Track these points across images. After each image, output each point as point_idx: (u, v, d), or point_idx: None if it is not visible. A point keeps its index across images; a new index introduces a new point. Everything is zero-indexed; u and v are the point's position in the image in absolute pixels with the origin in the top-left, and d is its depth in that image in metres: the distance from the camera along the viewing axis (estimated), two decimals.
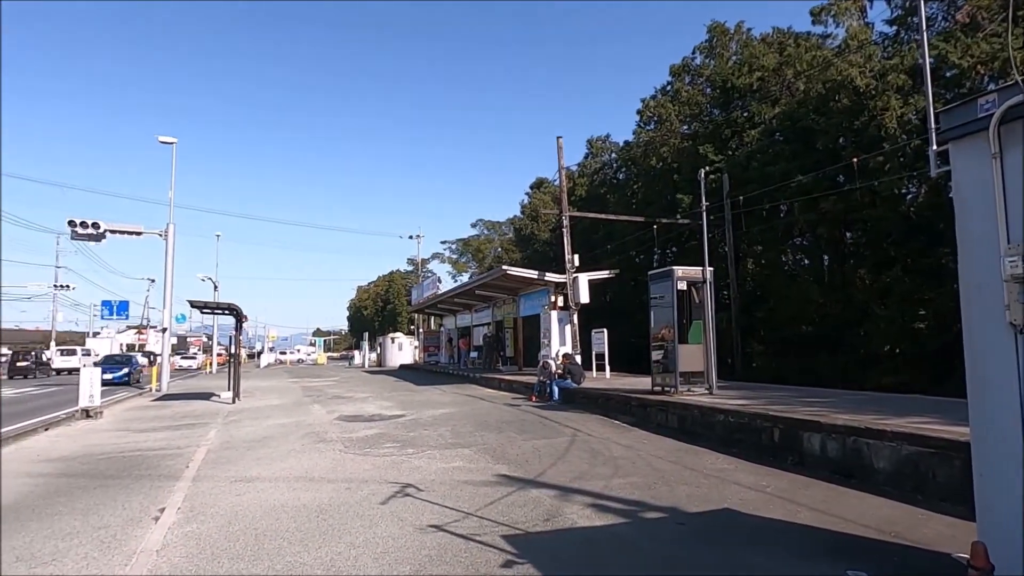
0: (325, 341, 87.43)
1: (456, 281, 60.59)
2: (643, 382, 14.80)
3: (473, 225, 65.95)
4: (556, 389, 15.44)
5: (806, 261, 25.99)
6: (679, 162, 28.48)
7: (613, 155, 38.65)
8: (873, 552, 4.66)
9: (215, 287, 46.00)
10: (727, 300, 23.94)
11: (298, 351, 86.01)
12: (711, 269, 12.17)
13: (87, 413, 14.57)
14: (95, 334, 66.30)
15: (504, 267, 22.59)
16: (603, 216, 27.22)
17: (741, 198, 21.63)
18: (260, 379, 30.84)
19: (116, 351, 57.46)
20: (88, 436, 11.75)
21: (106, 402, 16.75)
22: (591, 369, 18.61)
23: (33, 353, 42.67)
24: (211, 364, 48.80)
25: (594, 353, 19.20)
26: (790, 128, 23.42)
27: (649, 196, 30.22)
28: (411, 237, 52.13)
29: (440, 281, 41.29)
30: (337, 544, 4.90)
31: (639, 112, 33.29)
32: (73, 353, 46.51)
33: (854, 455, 6.93)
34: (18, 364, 38.10)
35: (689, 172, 25.97)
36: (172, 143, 25.26)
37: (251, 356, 71.31)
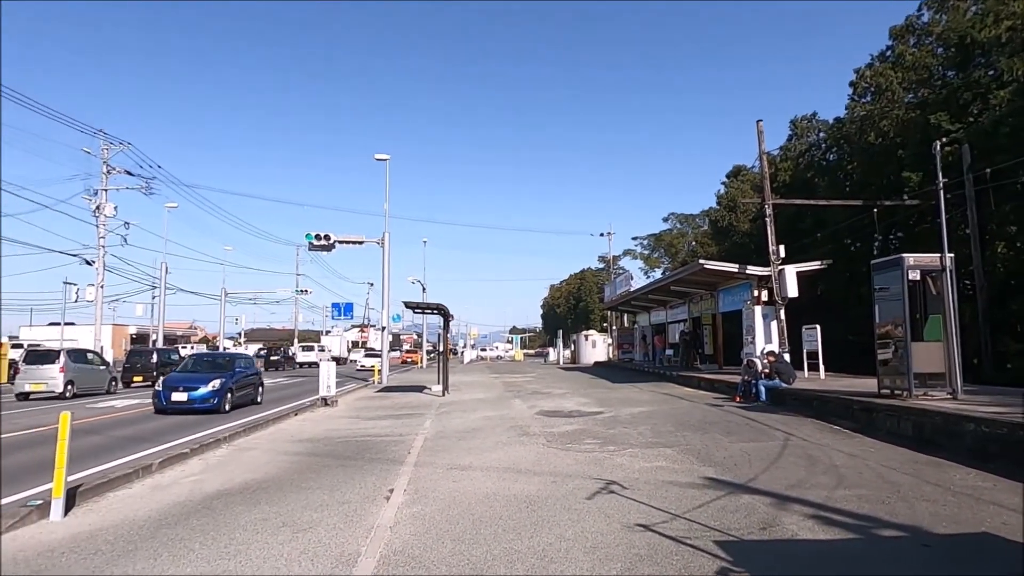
0: (521, 338, 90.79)
1: (648, 277, 59.46)
2: (864, 383, 13.33)
3: (665, 219, 64.20)
4: (763, 389, 14.47)
5: None
6: (904, 136, 25.10)
7: (821, 134, 35.22)
8: None
9: (423, 288, 50.09)
10: (970, 291, 20.63)
11: (496, 348, 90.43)
12: (951, 256, 10.57)
13: (325, 401, 16.68)
14: (327, 332, 75.83)
15: (701, 261, 21.67)
16: (811, 202, 24.92)
17: (988, 171, 18.46)
18: (464, 374, 32.94)
19: (342, 349, 65.13)
20: (327, 421, 13.44)
21: (340, 392, 19.04)
22: (801, 368, 17.15)
23: (281, 349, 49.96)
24: (422, 360, 53.21)
25: (805, 351, 17.66)
26: None
27: (867, 176, 27.04)
28: (602, 235, 52.25)
29: (632, 278, 40.81)
30: (548, 535, 5.06)
31: (852, 84, 29.95)
32: (311, 349, 53.59)
33: None
34: (271, 358, 44.89)
35: (917, 146, 22.79)
36: (386, 160, 27.98)
37: (453, 352, 76.56)
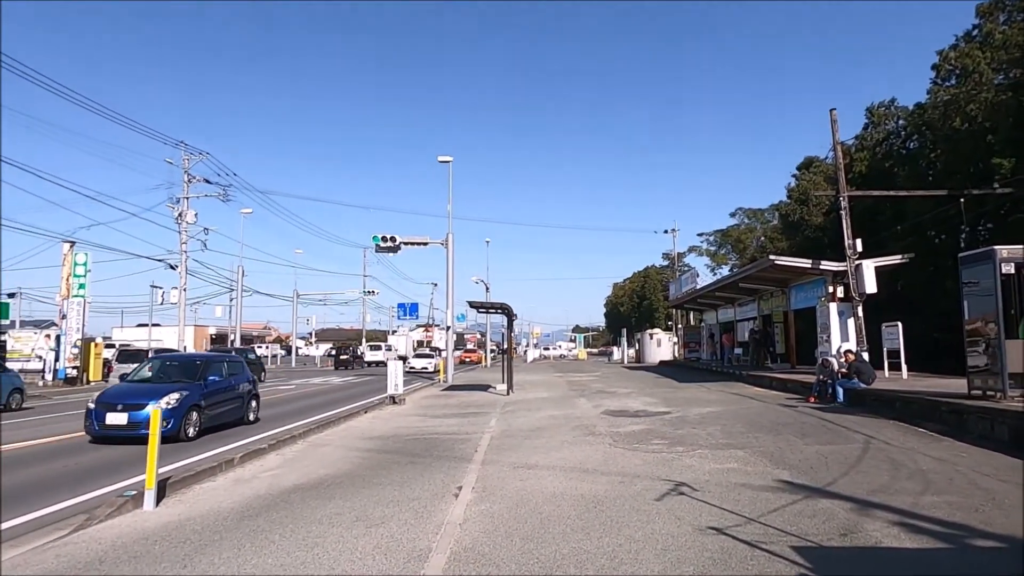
0: (584, 337, 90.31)
1: (715, 274, 57.98)
2: (951, 384, 12.62)
3: (732, 214, 62.35)
4: (840, 390, 13.87)
5: None
6: (993, 120, 23.54)
7: (900, 122, 33.46)
8: None
9: (486, 288, 50.53)
10: None
11: (559, 347, 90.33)
12: None
13: (393, 400, 17.07)
14: (393, 332, 77.53)
15: (771, 257, 20.98)
16: (890, 193, 23.71)
17: None
18: (528, 373, 33.03)
19: (408, 348, 66.43)
20: (396, 419, 13.75)
21: (407, 391, 19.43)
22: (882, 368, 16.34)
23: (351, 348, 51.42)
24: (486, 359, 53.69)
25: (885, 350, 16.83)
26: None
27: (952, 164, 25.52)
28: (666, 232, 51.33)
29: (697, 275, 39.93)
30: (617, 536, 5.01)
31: (935, 67, 28.33)
32: (379, 348, 54.94)
33: None
34: (341, 358, 46.22)
35: (1009, 130, 21.37)
36: (449, 161, 28.37)
37: (515, 351, 76.83)
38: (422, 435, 11.20)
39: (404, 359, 42.86)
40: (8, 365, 20.63)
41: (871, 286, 17.54)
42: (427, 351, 49.54)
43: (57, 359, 28.30)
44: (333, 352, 54.91)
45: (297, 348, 65.94)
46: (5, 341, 33.46)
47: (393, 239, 27.80)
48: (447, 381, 26.50)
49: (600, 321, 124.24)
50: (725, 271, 58.94)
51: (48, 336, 30.20)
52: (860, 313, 17.85)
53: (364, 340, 63.35)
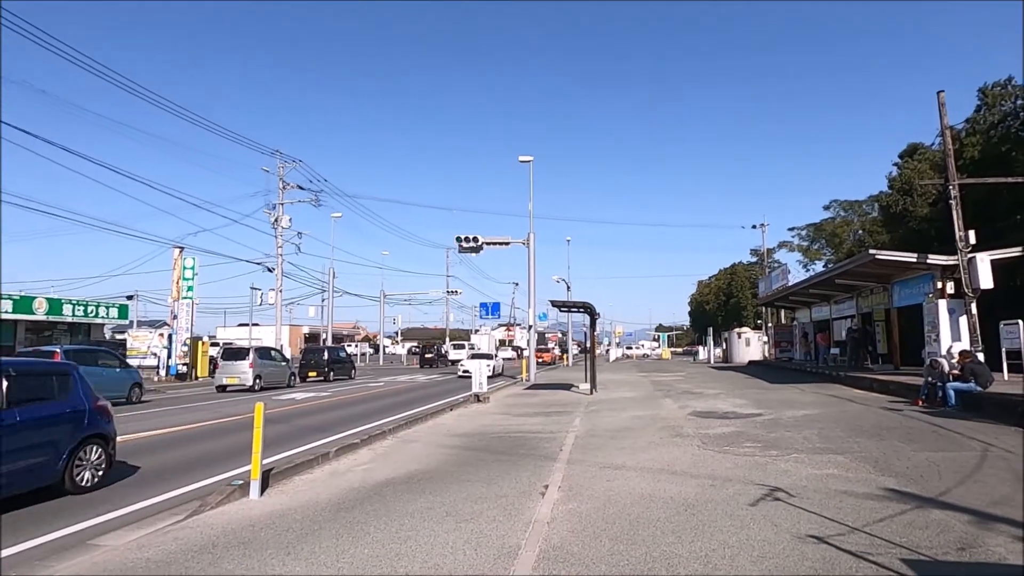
0: (668, 336, 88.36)
1: (807, 271, 55.18)
2: None
3: (826, 207, 58.97)
4: (951, 393, 12.89)
5: None
6: None
7: (1019, 102, 30.68)
8: None
9: (567, 287, 50.37)
10: None
11: (642, 346, 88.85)
12: None
13: (477, 398, 17.32)
14: (476, 331, 78.70)
15: (871, 251, 19.74)
16: (1008, 180, 21.74)
17: None
18: (611, 372, 32.66)
19: (491, 347, 67.16)
20: (480, 417, 13.94)
21: (491, 389, 19.67)
22: (999, 370, 15.06)
23: (435, 348, 52.63)
24: (568, 358, 53.53)
25: (1004, 350, 15.49)
26: None
27: None
28: (754, 227, 49.58)
29: (789, 271, 38.22)
30: (710, 541, 4.87)
31: None
32: (462, 347, 55.89)
33: None
34: (426, 356, 47.42)
35: None
36: (529, 161, 28.48)
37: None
38: (507, 433, 11.31)
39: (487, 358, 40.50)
40: (128, 362, 22.45)
41: (986, 281, 16.19)
42: (481, 352, 40.64)
43: (169, 356, 30.57)
44: (416, 350, 56.33)
45: (384, 347, 68.10)
46: (125, 340, 36.37)
47: (475, 239, 28.21)
48: (529, 380, 26.63)
49: (684, 320, 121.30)
50: (819, 267, 56.06)
51: (161, 335, 32.67)
52: (974, 310, 16.51)
53: (447, 339, 64.64)
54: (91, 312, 45.80)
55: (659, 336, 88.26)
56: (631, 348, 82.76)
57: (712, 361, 47.63)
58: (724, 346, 49.90)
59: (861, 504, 5.86)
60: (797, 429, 10.64)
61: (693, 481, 6.97)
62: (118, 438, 8.24)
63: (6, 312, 39.52)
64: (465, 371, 28.61)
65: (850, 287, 25.27)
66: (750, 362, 40.85)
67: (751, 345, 45.15)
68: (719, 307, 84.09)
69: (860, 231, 52.04)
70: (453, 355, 52.67)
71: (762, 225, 48.71)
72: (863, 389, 17.80)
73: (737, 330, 49.90)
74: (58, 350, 16.94)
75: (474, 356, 34.63)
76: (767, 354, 42.47)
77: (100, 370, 17.96)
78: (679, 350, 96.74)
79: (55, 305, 42.89)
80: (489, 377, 22.29)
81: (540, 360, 50.28)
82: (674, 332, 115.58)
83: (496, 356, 33.38)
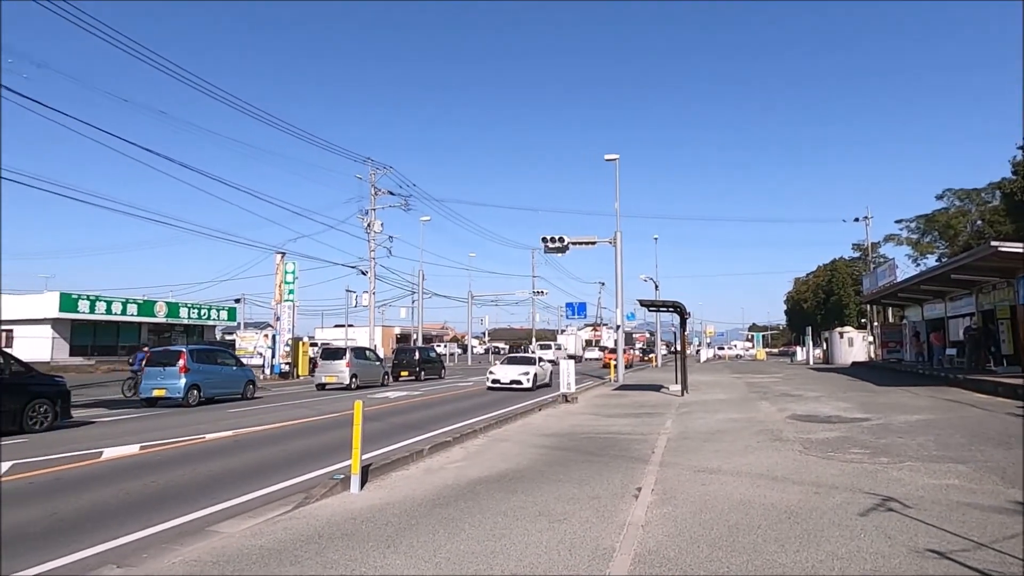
0: (763, 336, 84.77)
1: (918, 265, 51.58)
2: None
3: (939, 197, 54.78)
4: None
5: None
6: None
7: None
8: None
9: (655, 286, 49.38)
10: None
11: (735, 346, 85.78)
12: None
13: (566, 398, 17.29)
14: (562, 331, 78.69)
15: (993, 243, 18.12)
16: None
17: None
18: (702, 373, 31.73)
19: (577, 347, 66.71)
20: (569, 417, 13.91)
21: (579, 389, 19.60)
22: None
23: (521, 347, 53.04)
24: (657, 359, 52.46)
25: None
26: None
27: None
28: (856, 220, 46.70)
29: (896, 267, 35.84)
30: (816, 551, 4.63)
31: None
32: (548, 347, 56.01)
33: None
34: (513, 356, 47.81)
35: None
36: (615, 159, 28.14)
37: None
38: (596, 434, 11.22)
39: (575, 358, 37.88)
40: (242, 361, 24.04)
41: None
42: (522, 356, 28.59)
43: (273, 356, 32.41)
44: (503, 351, 56.93)
45: (472, 347, 69.28)
46: (234, 340, 38.88)
47: (561, 239, 28.18)
48: (618, 380, 26.31)
49: (780, 319, 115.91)
50: (931, 261, 52.23)
51: (266, 336, 34.69)
52: None
53: (534, 339, 64.93)
54: (204, 315, 49.55)
55: (753, 336, 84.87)
56: (723, 348, 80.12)
57: (811, 362, 45.32)
58: (824, 346, 47.40)
59: (988, 518, 5.40)
60: (910, 435, 9.94)
61: (795, 487, 6.65)
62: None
63: (130, 315, 43.35)
64: (495, 380, 22.60)
65: (968, 282, 23.33)
66: (854, 363, 38.57)
67: (854, 345, 42.62)
68: (818, 305, 79.75)
69: (979, 221, 48.06)
70: (540, 355, 52.75)
71: (866, 218, 45.80)
72: (985, 393, 16.39)
73: (839, 329, 47.22)
74: (184, 350, 18.37)
75: (511, 361, 25.57)
76: (873, 355, 39.97)
77: (219, 368, 19.44)
78: (774, 351, 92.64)
79: (173, 308, 46.67)
80: (527, 389, 21.01)
81: (613, 361, 38.71)
82: (769, 332, 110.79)
83: (539, 362, 24.11)
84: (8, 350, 17.19)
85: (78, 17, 24.32)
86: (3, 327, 38.71)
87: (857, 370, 32.02)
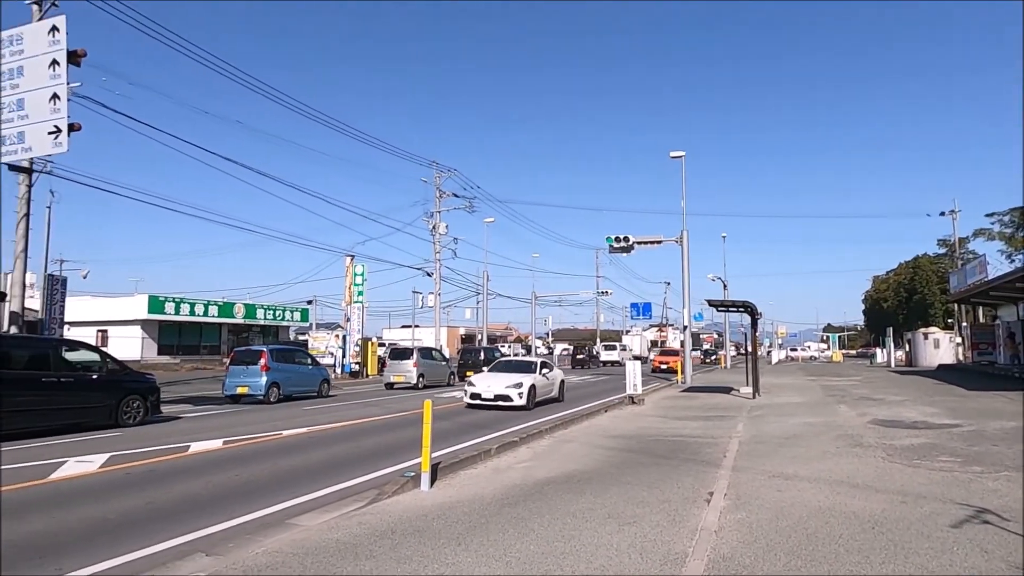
0: (839, 337, 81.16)
1: (1012, 262, 48.01)
2: None
3: None
4: None
5: None
6: None
7: None
8: None
9: (724, 286, 48.09)
10: None
11: (809, 347, 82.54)
12: None
13: (632, 399, 17.07)
14: (627, 332, 77.71)
15: None
16: None
17: None
18: (774, 376, 30.70)
19: (643, 348, 65.74)
20: (636, 419, 13.73)
21: (646, 391, 19.31)
22: None
23: (586, 348, 52.71)
24: (726, 360, 51.12)
25: None
26: None
27: None
28: (942, 214, 44.11)
29: (988, 263, 33.53)
30: (904, 564, 4.40)
31: None
32: (613, 348, 55.41)
33: None
34: (578, 357, 47.67)
35: None
36: (681, 156, 27.59)
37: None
38: (665, 436, 11.03)
39: (640, 359, 32.87)
40: (318, 360, 24.94)
41: None
42: (519, 359, 22.55)
43: (344, 356, 33.40)
44: (567, 352, 56.67)
45: (535, 347, 69.35)
46: (307, 340, 40.31)
47: (626, 239, 27.84)
48: (685, 382, 25.77)
49: (857, 319, 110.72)
50: None
51: (337, 336, 35.76)
52: None
53: (598, 340, 64.39)
54: (279, 316, 51.65)
55: (828, 337, 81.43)
56: (795, 350, 77.20)
57: (892, 364, 43.08)
58: (907, 348, 45.00)
59: None
60: (1006, 443, 9.32)
61: (878, 496, 6.35)
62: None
63: (211, 316, 45.69)
64: (474, 395, 16.23)
65: None
66: (940, 366, 36.40)
67: (940, 347, 40.26)
68: (899, 305, 75.73)
69: None
70: (604, 356, 52.33)
71: (952, 212, 43.18)
72: None
73: (923, 330, 44.70)
74: (264, 349, 19.25)
75: (499, 367, 18.38)
76: (961, 357, 37.66)
77: (296, 367, 20.30)
78: (852, 352, 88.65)
79: (250, 310, 48.87)
80: (520, 408, 15.49)
81: (666, 365, 36.94)
82: (845, 333, 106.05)
83: (539, 369, 17.36)
84: (104, 349, 18.39)
85: (168, 38, 25.74)
86: (99, 327, 41.54)
87: (944, 373, 30.24)
